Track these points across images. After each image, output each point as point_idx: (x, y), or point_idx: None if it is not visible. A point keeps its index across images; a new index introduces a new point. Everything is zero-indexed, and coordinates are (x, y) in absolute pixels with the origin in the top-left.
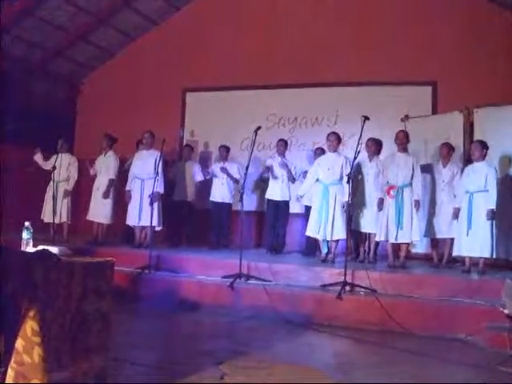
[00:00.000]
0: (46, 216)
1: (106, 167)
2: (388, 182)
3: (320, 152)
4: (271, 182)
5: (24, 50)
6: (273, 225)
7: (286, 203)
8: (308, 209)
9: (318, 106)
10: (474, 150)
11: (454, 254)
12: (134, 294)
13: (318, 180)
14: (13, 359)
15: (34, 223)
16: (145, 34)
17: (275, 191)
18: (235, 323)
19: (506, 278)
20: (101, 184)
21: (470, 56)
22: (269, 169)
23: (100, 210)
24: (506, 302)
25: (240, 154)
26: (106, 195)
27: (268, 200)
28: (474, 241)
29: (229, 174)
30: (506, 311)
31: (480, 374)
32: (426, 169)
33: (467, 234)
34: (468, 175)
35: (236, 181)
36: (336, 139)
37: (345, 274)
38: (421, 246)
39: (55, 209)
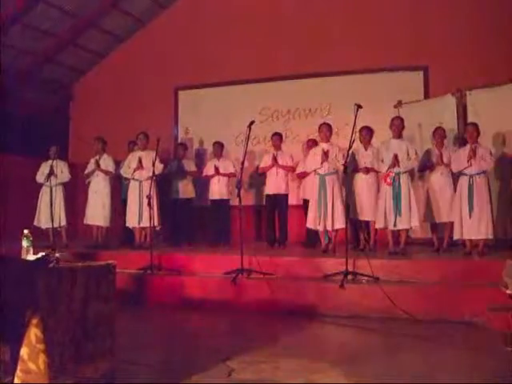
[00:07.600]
0: (42, 222)
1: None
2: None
3: (312, 143)
4: (268, 177)
5: (13, 57)
6: (272, 218)
7: (284, 196)
8: (306, 202)
9: (310, 97)
10: (471, 132)
11: (456, 237)
12: (137, 295)
13: (314, 171)
14: (19, 368)
15: (33, 231)
16: (134, 34)
17: (272, 185)
18: (239, 319)
19: (507, 259)
20: (99, 187)
21: (459, 39)
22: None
23: (99, 213)
24: (507, 282)
25: (235, 150)
26: None
27: (266, 194)
28: (477, 223)
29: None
30: (508, 291)
31: (487, 355)
32: (425, 155)
33: (469, 217)
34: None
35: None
36: (328, 130)
37: (346, 264)
38: (421, 231)
39: (53, 214)
